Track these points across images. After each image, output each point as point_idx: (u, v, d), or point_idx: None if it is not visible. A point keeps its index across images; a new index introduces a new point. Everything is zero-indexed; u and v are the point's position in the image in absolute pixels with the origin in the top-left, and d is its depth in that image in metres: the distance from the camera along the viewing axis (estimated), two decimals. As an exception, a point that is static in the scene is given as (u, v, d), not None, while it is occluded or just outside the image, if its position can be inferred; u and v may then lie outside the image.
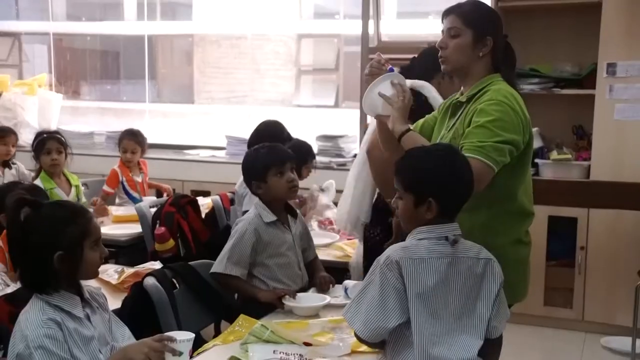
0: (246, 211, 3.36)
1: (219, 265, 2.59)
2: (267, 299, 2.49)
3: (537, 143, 4.31)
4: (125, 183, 4.46)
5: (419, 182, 1.83)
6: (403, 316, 1.75)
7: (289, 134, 3.71)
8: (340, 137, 5.12)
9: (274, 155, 2.72)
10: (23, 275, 1.86)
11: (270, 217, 2.66)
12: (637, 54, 4.03)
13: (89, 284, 1.96)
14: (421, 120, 2.36)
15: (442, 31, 2.19)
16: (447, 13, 2.17)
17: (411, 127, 2.16)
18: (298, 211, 2.87)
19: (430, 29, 9.98)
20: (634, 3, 3.99)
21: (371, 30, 5.11)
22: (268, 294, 2.53)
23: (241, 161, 2.85)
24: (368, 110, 2.26)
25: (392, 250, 1.79)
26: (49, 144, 3.95)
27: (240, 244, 2.60)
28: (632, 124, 4.05)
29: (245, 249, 2.60)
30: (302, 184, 3.02)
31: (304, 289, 2.67)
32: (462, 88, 2.22)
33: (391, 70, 2.24)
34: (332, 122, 8.63)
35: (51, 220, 1.81)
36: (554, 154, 4.25)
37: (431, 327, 1.75)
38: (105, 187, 4.46)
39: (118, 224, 3.88)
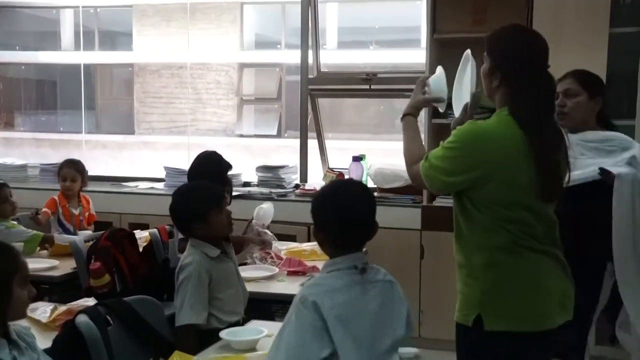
0: (183, 238, 3.35)
1: (185, 316, 2.58)
2: None
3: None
4: (60, 213, 4.35)
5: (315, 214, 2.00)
6: (323, 351, 1.80)
7: (227, 163, 3.69)
8: (281, 167, 5.12)
9: (213, 195, 2.75)
10: None
11: (215, 251, 2.70)
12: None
13: (17, 323, 1.89)
14: None
15: None
16: None
17: None
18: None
19: (369, 58, 10.23)
20: (562, 39, 4.14)
21: (310, 60, 5.15)
22: None
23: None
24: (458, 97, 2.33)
25: (306, 289, 1.88)
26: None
27: (198, 288, 2.61)
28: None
29: (204, 292, 2.62)
30: (239, 214, 3.01)
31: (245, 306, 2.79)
32: None
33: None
34: (275, 151, 8.63)
35: None
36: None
37: (356, 355, 1.81)
38: (45, 209, 4.33)
39: (55, 257, 3.78)
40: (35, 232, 3.98)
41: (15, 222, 4.01)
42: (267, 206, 3.87)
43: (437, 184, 2.08)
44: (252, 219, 3.83)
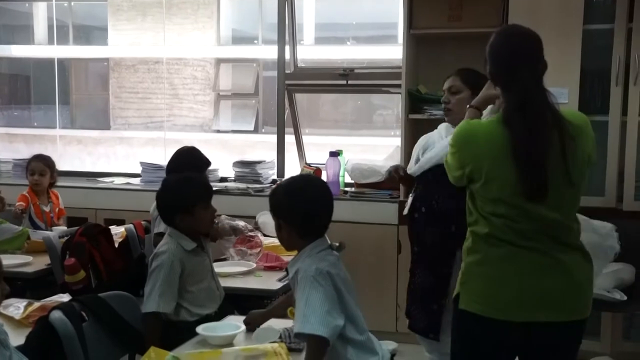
0: (158, 233, 3.33)
1: (152, 303, 2.57)
2: None
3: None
4: (31, 210, 4.29)
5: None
6: (342, 319, 2.00)
7: (207, 159, 3.69)
8: (258, 163, 5.11)
9: (204, 189, 2.78)
10: None
11: (191, 244, 2.71)
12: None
13: (-11, 321, 1.87)
14: None
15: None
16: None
17: None
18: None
19: (347, 54, 10.24)
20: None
21: (287, 55, 5.14)
22: None
23: (157, 188, 2.82)
24: None
25: (316, 265, 2.03)
26: None
27: (169, 277, 2.61)
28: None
29: (174, 282, 2.62)
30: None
31: (220, 306, 2.77)
32: None
33: None
34: (252, 147, 8.60)
35: None
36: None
37: (361, 319, 2.08)
38: (20, 202, 4.24)
39: (29, 253, 3.74)
40: (23, 227, 3.94)
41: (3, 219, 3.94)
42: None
43: (451, 178, 2.23)
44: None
